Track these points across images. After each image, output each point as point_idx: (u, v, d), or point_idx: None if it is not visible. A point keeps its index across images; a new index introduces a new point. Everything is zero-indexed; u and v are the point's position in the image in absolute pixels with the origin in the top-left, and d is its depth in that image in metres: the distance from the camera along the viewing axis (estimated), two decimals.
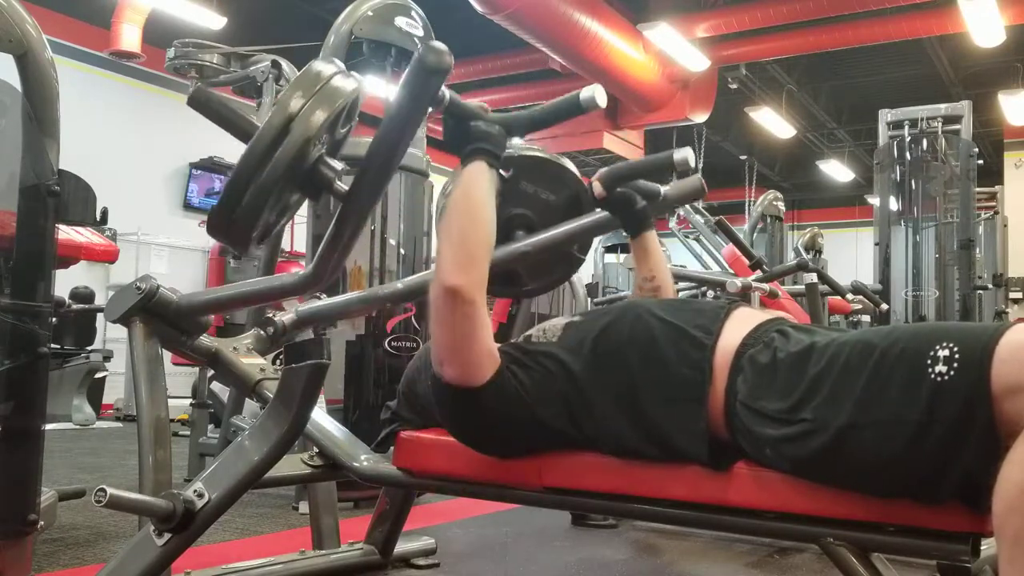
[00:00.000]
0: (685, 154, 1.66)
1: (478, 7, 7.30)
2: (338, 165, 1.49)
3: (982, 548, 1.14)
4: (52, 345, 2.03)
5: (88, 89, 8.42)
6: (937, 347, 1.10)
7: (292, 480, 1.96)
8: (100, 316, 6.63)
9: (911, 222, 6.44)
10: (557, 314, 4.79)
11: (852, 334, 1.24)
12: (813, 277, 3.93)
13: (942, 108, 6.52)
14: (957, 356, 1.08)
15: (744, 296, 3.42)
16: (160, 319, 1.79)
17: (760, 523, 1.31)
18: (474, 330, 1.42)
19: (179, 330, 1.84)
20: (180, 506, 1.53)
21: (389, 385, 3.12)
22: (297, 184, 1.46)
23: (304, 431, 1.72)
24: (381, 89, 3.54)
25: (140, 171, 9.09)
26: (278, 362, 1.99)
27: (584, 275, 6.52)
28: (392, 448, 1.71)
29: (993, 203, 9.64)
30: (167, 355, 1.85)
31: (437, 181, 4.19)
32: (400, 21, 3.36)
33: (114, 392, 7.60)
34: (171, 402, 1.87)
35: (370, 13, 3.29)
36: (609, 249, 10.64)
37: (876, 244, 6.59)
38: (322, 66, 1.43)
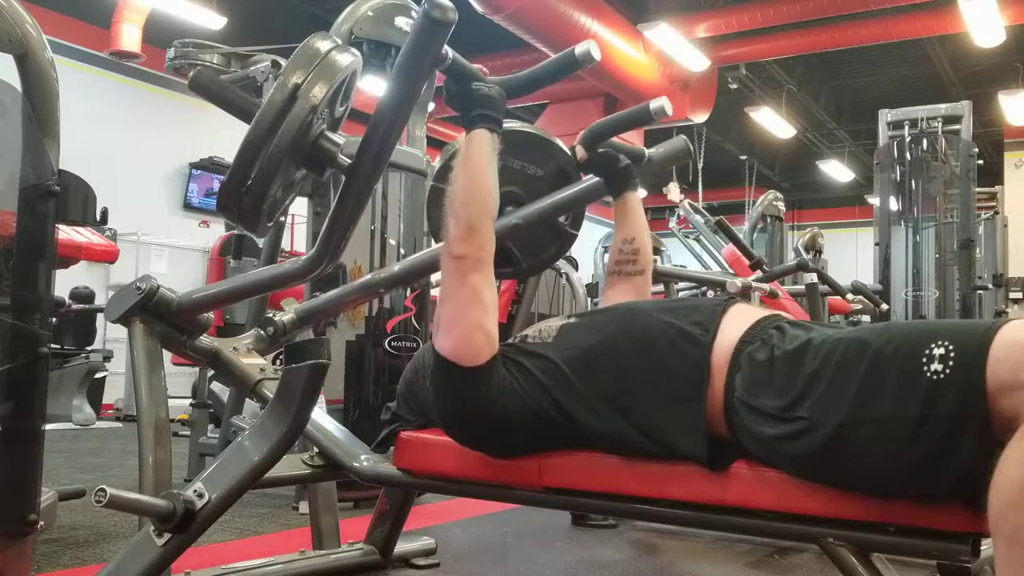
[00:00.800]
0: (661, 103, 1.67)
1: (478, 7, 7.30)
2: (340, 139, 1.51)
3: (982, 548, 1.14)
4: (52, 345, 2.03)
5: (88, 89, 8.43)
6: (932, 345, 1.10)
7: (292, 480, 1.96)
8: (100, 316, 6.63)
9: (911, 222, 6.44)
10: (557, 314, 4.79)
11: (848, 331, 1.24)
12: (813, 277, 3.94)
13: (942, 108, 6.52)
14: (953, 354, 1.08)
15: (744, 296, 3.42)
16: (160, 319, 1.79)
17: (760, 523, 1.31)
18: (476, 301, 1.43)
19: (179, 330, 1.84)
20: (180, 506, 1.53)
21: (389, 385, 3.12)
22: (301, 159, 1.48)
23: (304, 431, 1.72)
24: (381, 89, 3.53)
25: (140, 171, 9.09)
26: (278, 362, 1.99)
27: (584, 275, 6.52)
28: (392, 448, 1.71)
29: (993, 203, 9.63)
30: (167, 355, 1.85)
31: None
32: (400, 21, 3.36)
33: (114, 392, 7.60)
34: (171, 402, 1.88)
35: (370, 13, 3.29)
36: (609, 249, 10.63)
37: (876, 244, 6.59)
38: (319, 41, 1.45)
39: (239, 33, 7.67)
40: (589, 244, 7.48)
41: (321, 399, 2.41)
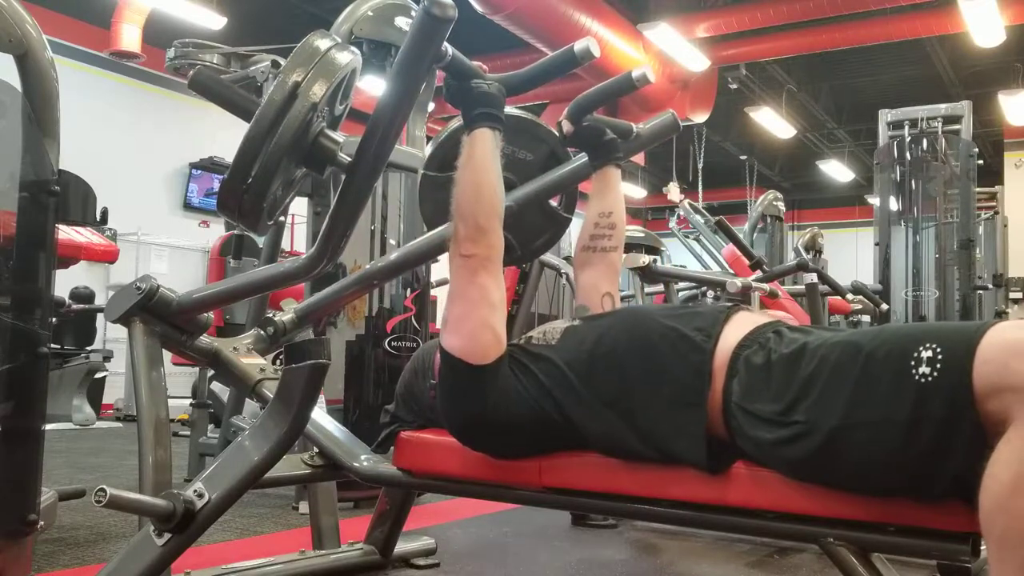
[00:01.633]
0: (643, 70, 1.67)
1: (478, 7, 7.30)
2: (340, 137, 1.51)
3: (982, 548, 1.14)
4: (52, 345, 2.03)
5: (88, 89, 8.43)
6: (920, 348, 1.10)
7: (292, 480, 1.96)
8: (100, 316, 6.63)
9: (911, 222, 6.44)
10: (557, 314, 4.79)
11: (843, 334, 1.24)
12: (813, 277, 3.93)
13: (942, 108, 6.52)
14: (940, 357, 1.08)
15: (744, 296, 3.42)
16: (160, 319, 1.79)
17: (760, 523, 1.31)
18: (485, 300, 1.44)
19: (179, 330, 1.84)
20: (180, 506, 1.53)
21: (389, 385, 3.12)
22: (301, 157, 1.48)
23: (304, 431, 1.72)
24: (381, 89, 3.53)
25: (140, 171, 9.09)
26: (278, 362, 1.99)
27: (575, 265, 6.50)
28: (392, 448, 1.71)
29: (993, 203, 9.63)
30: (167, 355, 1.85)
31: None
32: (400, 21, 3.37)
33: (114, 392, 7.60)
34: (171, 402, 1.87)
35: (370, 13, 3.29)
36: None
37: (876, 244, 6.59)
38: (319, 39, 1.45)
39: (239, 33, 7.67)
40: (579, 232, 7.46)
41: (321, 399, 2.41)
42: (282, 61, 4.24)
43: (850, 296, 4.38)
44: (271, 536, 2.72)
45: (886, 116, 6.63)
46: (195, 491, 1.57)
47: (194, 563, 1.92)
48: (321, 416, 1.91)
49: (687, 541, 2.75)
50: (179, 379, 6.36)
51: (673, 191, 13.02)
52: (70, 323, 6.57)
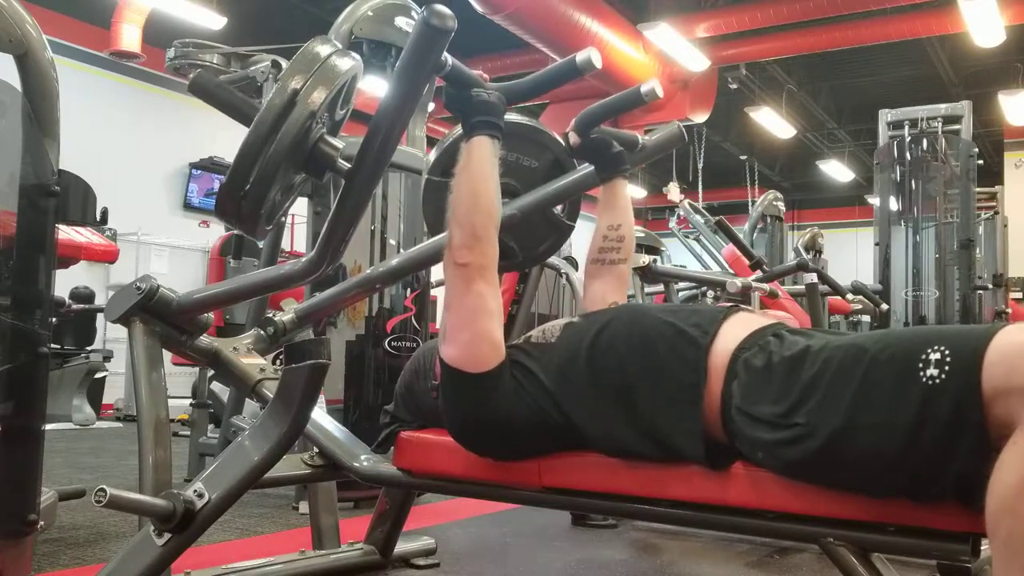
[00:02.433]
0: (652, 85, 1.67)
1: (478, 7, 7.30)
2: (339, 143, 1.50)
3: (982, 548, 1.14)
4: (52, 345, 2.03)
5: (88, 89, 8.43)
6: (928, 350, 1.10)
7: (292, 480, 1.96)
8: (100, 316, 6.63)
9: (911, 222, 6.45)
10: (557, 314, 4.79)
11: (846, 338, 1.24)
12: (813, 277, 3.93)
13: (942, 108, 6.52)
14: (948, 359, 1.08)
15: (744, 296, 3.42)
16: (160, 319, 1.79)
17: (760, 523, 1.31)
18: (482, 309, 1.43)
19: (179, 330, 1.84)
20: (180, 506, 1.53)
21: (389, 385, 3.12)
22: (301, 163, 1.48)
23: (304, 431, 1.72)
24: (381, 89, 3.53)
25: (140, 171, 9.09)
26: (278, 362, 1.99)
27: (584, 275, 6.51)
28: (392, 448, 1.71)
29: (993, 203, 9.63)
30: (167, 355, 1.85)
31: None
32: (400, 21, 3.36)
33: (114, 392, 7.60)
34: (171, 402, 1.87)
35: (370, 13, 3.29)
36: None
37: (876, 244, 6.59)
38: (320, 45, 1.45)
39: (239, 33, 7.67)
40: (589, 244, 7.47)
41: (321, 399, 2.41)
42: (282, 61, 4.24)
43: (850, 296, 4.38)
44: (271, 536, 2.72)
45: (886, 116, 6.64)
46: (195, 491, 1.57)
47: (194, 563, 1.92)
48: (321, 416, 1.91)
49: (687, 541, 2.75)
50: (179, 379, 6.35)
51: (673, 191, 13.01)
52: (70, 323, 6.57)
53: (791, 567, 2.43)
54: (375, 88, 3.42)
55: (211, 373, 3.75)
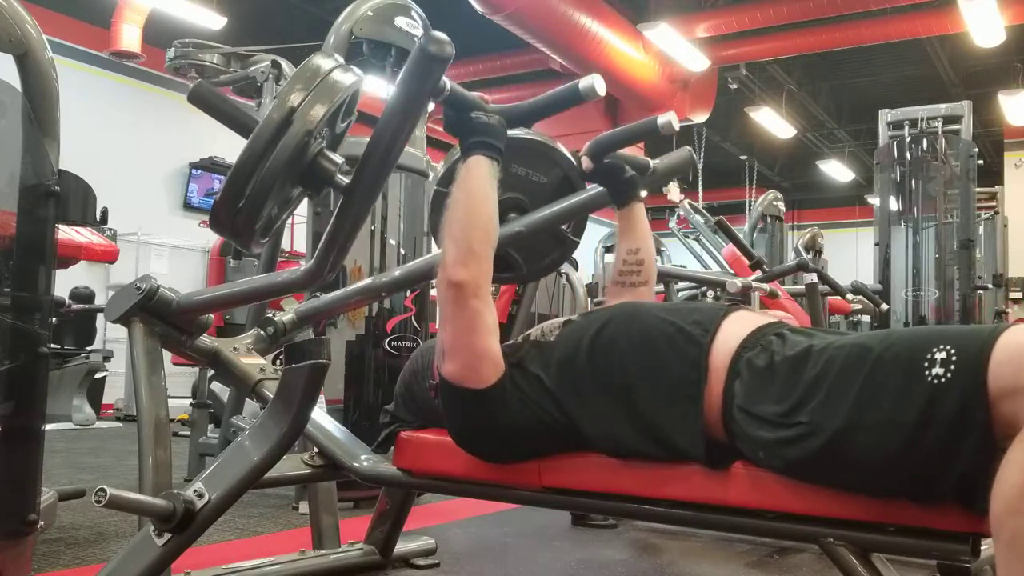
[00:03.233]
0: (668, 117, 1.67)
1: (478, 7, 7.30)
2: (338, 159, 1.49)
3: (982, 548, 1.14)
4: (52, 345, 2.04)
5: (88, 89, 8.43)
6: (934, 349, 1.09)
7: (292, 480, 1.96)
8: (100, 316, 6.63)
9: (911, 222, 6.45)
10: (557, 314, 4.79)
11: (850, 337, 1.24)
12: (813, 277, 3.93)
13: (942, 108, 6.52)
14: (954, 358, 1.07)
15: (744, 296, 3.42)
16: (160, 319, 1.79)
17: (760, 523, 1.31)
18: (478, 327, 1.42)
19: (179, 330, 1.84)
20: (180, 506, 1.53)
21: (389, 385, 3.12)
22: (298, 178, 1.46)
23: (304, 431, 1.72)
24: (381, 89, 3.54)
25: (140, 171, 9.09)
26: (278, 362, 1.99)
27: (584, 275, 6.51)
28: (392, 448, 1.71)
29: (993, 203, 9.64)
30: (167, 355, 1.85)
31: None
32: (400, 21, 3.36)
33: (114, 392, 7.60)
34: (171, 402, 1.87)
35: (370, 13, 3.29)
36: (609, 249, 10.63)
37: (876, 244, 6.59)
38: (322, 60, 1.44)
39: (239, 33, 7.67)
40: (589, 244, 7.47)
41: (321, 399, 2.41)
42: (282, 61, 4.24)
43: (850, 296, 4.38)
44: (271, 536, 2.72)
45: (886, 116, 6.64)
46: (195, 491, 1.57)
47: (194, 563, 1.92)
48: (321, 416, 1.91)
49: (687, 541, 2.75)
50: (179, 379, 6.35)
51: (673, 191, 12.99)
52: (70, 323, 6.57)
53: (791, 567, 2.43)
54: (375, 88, 3.42)
55: (211, 373, 3.75)
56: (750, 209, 9.86)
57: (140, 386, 1.74)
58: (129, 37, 8.37)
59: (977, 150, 6.66)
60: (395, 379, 1.84)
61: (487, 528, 2.94)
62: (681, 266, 6.58)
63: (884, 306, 5.17)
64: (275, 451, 1.62)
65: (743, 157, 14.47)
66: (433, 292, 3.72)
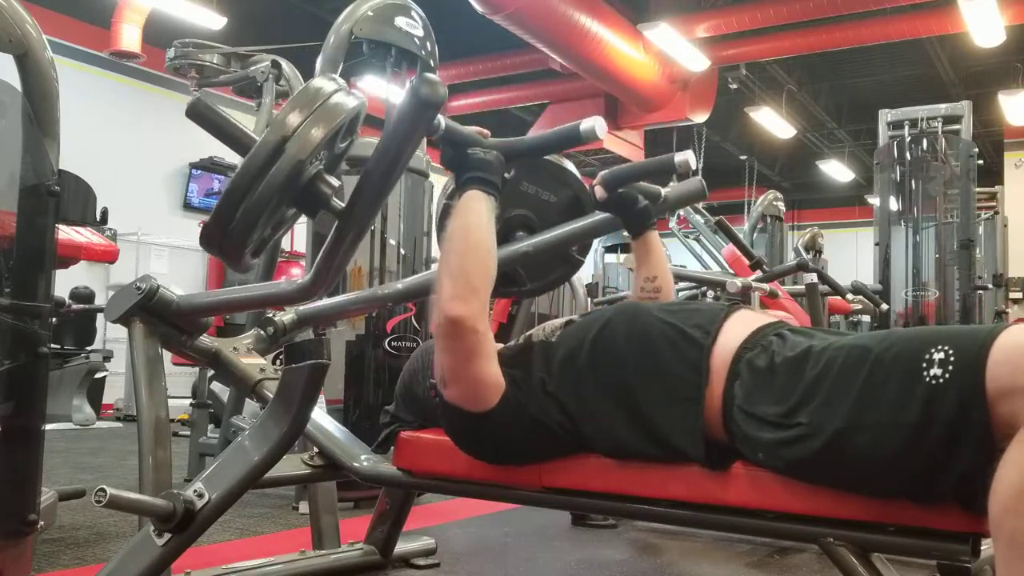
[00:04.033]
0: (686, 156, 1.67)
1: (478, 7, 7.30)
2: (335, 182, 1.46)
3: (982, 548, 1.14)
4: (52, 345, 2.04)
5: (88, 89, 8.42)
6: (932, 350, 1.09)
7: (292, 480, 1.96)
8: (100, 316, 6.63)
9: (911, 222, 6.44)
10: (558, 314, 4.79)
11: (849, 338, 1.24)
12: (813, 277, 3.93)
13: (942, 108, 6.52)
14: (952, 359, 1.07)
15: (744, 296, 3.42)
16: (160, 319, 1.79)
17: (760, 523, 1.31)
18: (477, 358, 1.41)
19: (179, 330, 1.84)
20: (180, 506, 1.53)
21: (389, 385, 3.12)
22: (293, 200, 1.44)
23: (304, 431, 1.72)
24: (381, 89, 3.54)
25: (140, 171, 9.09)
26: (278, 362, 1.99)
27: (584, 275, 6.52)
28: (392, 448, 1.71)
29: (993, 203, 9.64)
30: (167, 355, 1.85)
31: (437, 181, 4.20)
32: (400, 21, 3.36)
33: (114, 392, 7.59)
34: (171, 402, 1.87)
35: (370, 13, 3.29)
36: (609, 249, 10.64)
37: (876, 244, 6.58)
38: (322, 83, 1.42)
39: (239, 33, 7.66)
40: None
41: (321, 399, 2.41)
42: (282, 61, 4.24)
43: (850, 296, 4.38)
44: (271, 536, 2.72)
45: (886, 116, 6.63)
46: (195, 491, 1.57)
47: (194, 563, 1.92)
48: (321, 416, 1.91)
49: (687, 541, 2.75)
50: (179, 379, 6.35)
51: None
52: (70, 323, 6.57)
53: (791, 567, 2.43)
54: (375, 88, 3.42)
55: (211, 373, 3.75)
56: (750, 209, 9.87)
57: (140, 386, 1.74)
58: (129, 37, 8.37)
59: (977, 150, 6.66)
60: (395, 379, 1.84)
61: (487, 528, 2.94)
62: (681, 266, 6.57)
63: (884, 306, 5.17)
64: (275, 451, 1.62)
65: (743, 157, 14.47)
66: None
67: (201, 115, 1.44)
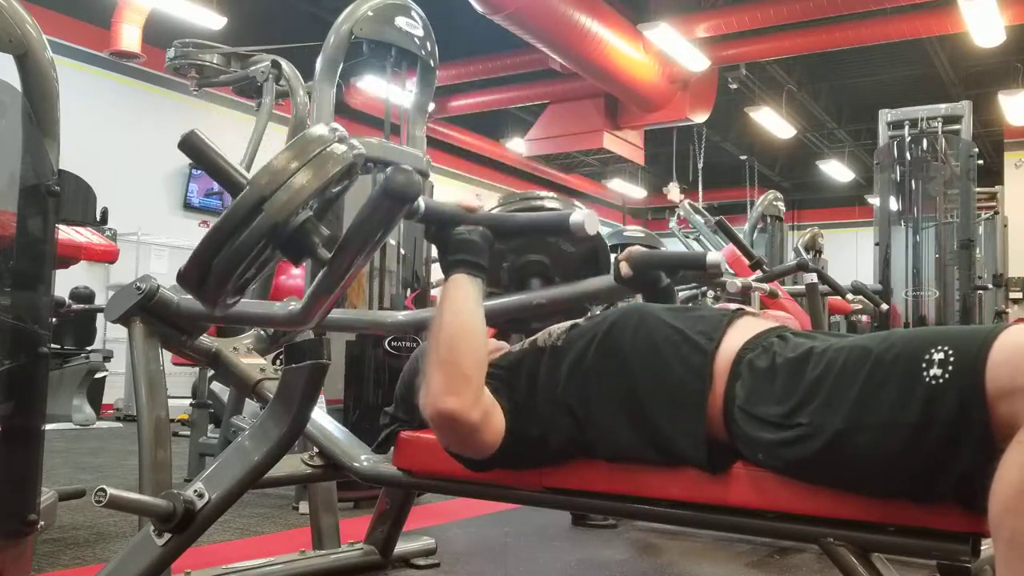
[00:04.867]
0: (717, 259, 1.67)
1: (478, 7, 7.30)
2: (324, 231, 1.42)
3: (982, 548, 1.14)
4: (52, 345, 2.04)
5: (88, 89, 8.42)
6: (932, 350, 1.09)
7: (292, 480, 1.96)
8: (100, 316, 6.63)
9: (911, 222, 6.44)
10: None
11: (850, 339, 1.24)
12: (813, 277, 3.93)
13: (942, 108, 6.52)
14: (952, 359, 1.07)
15: (744, 296, 3.42)
16: (160, 319, 1.79)
17: (760, 523, 1.31)
18: (476, 435, 1.39)
19: (179, 330, 1.84)
20: (180, 506, 1.53)
21: (389, 385, 3.12)
22: (278, 245, 1.39)
23: (304, 431, 1.72)
24: (381, 89, 3.54)
25: (140, 171, 9.09)
26: (278, 362, 1.99)
27: None
28: (392, 448, 1.71)
29: (993, 203, 9.63)
30: (167, 355, 1.85)
31: (437, 181, 4.20)
32: (400, 21, 3.37)
33: (114, 392, 7.60)
34: (171, 402, 1.88)
35: (370, 13, 3.29)
36: (612, 249, 10.63)
37: (876, 244, 6.58)
38: (320, 131, 1.38)
39: (239, 33, 7.66)
40: None
41: (321, 399, 2.41)
42: (282, 61, 4.24)
43: (850, 296, 4.38)
44: (271, 536, 2.72)
45: (886, 116, 6.63)
46: (195, 491, 1.57)
47: (194, 563, 1.92)
48: (321, 416, 1.91)
49: (687, 541, 2.75)
50: (179, 379, 6.35)
51: (673, 191, 13.01)
52: (70, 323, 6.57)
53: (791, 567, 2.43)
54: (375, 88, 3.42)
55: (211, 373, 3.75)
56: (750, 209, 9.86)
57: (140, 386, 1.74)
58: (129, 37, 8.37)
59: (977, 150, 6.65)
60: (395, 379, 1.84)
61: (487, 528, 2.94)
62: None
63: (884, 306, 5.17)
64: (275, 451, 1.62)
65: (743, 157, 14.47)
66: (433, 292, 3.72)
67: (194, 148, 1.40)
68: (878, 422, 1.12)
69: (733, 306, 1.78)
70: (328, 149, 1.35)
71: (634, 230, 4.73)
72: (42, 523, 1.79)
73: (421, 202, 1.36)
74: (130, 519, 2.34)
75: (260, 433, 1.64)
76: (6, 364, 1.69)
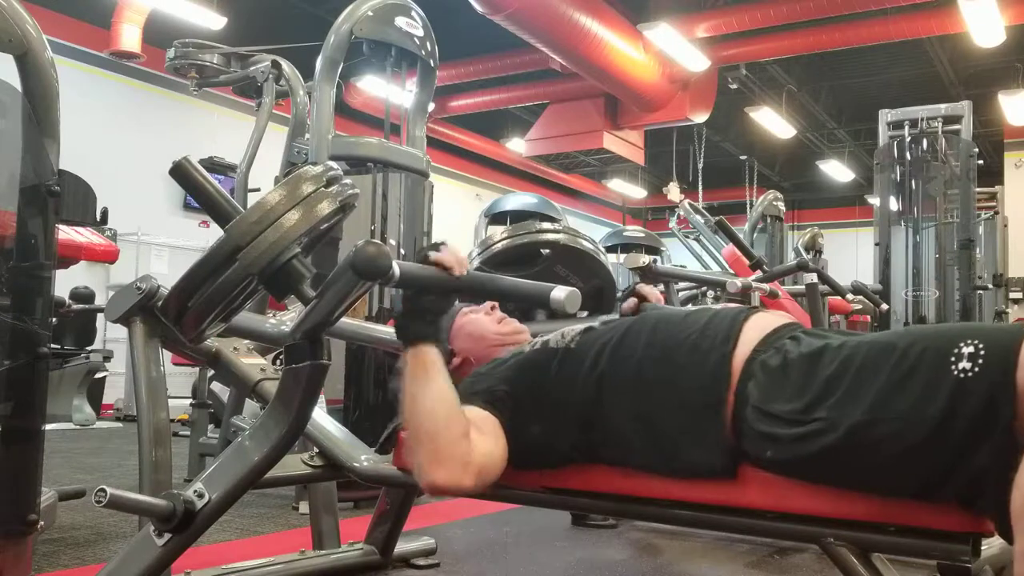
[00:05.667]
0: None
1: (478, 7, 7.30)
2: (311, 270, 1.41)
3: (982, 548, 1.14)
4: (52, 345, 2.04)
5: (88, 89, 8.42)
6: (961, 344, 1.09)
7: (292, 480, 1.97)
8: (100, 316, 6.63)
9: (911, 222, 6.44)
10: None
11: (868, 336, 1.24)
12: (813, 277, 3.93)
13: (942, 108, 6.52)
14: (983, 353, 1.07)
15: (744, 296, 3.42)
16: (160, 319, 1.79)
17: (760, 523, 1.31)
18: (482, 484, 1.38)
19: None
20: (180, 506, 1.53)
21: (389, 385, 3.12)
22: (264, 280, 1.38)
23: (304, 431, 1.72)
24: (381, 89, 3.54)
25: (140, 171, 9.08)
26: (278, 362, 1.99)
27: None
28: (392, 448, 1.71)
29: (993, 203, 9.63)
30: (167, 355, 1.85)
31: (437, 181, 4.20)
32: (400, 21, 3.37)
33: (114, 392, 7.59)
34: (171, 402, 1.88)
35: (370, 13, 3.29)
36: (609, 249, 10.63)
37: (876, 244, 6.58)
38: (315, 171, 1.37)
39: (239, 33, 7.66)
40: None
41: (321, 399, 2.41)
42: (282, 61, 4.24)
43: (850, 296, 4.38)
44: (271, 536, 2.72)
45: (886, 116, 6.63)
46: (195, 491, 1.57)
47: (194, 563, 1.92)
48: (321, 416, 1.91)
49: (687, 541, 2.75)
50: (179, 379, 6.35)
51: (673, 191, 13.01)
52: (70, 323, 6.56)
53: (791, 567, 2.43)
54: (375, 88, 3.41)
55: (211, 373, 3.75)
56: (750, 209, 9.85)
57: (140, 386, 1.74)
58: (129, 37, 8.37)
59: (977, 150, 6.65)
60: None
61: (487, 528, 2.94)
62: (681, 266, 6.57)
63: (884, 306, 5.17)
64: (275, 451, 1.62)
65: (743, 157, 14.46)
66: None
67: (184, 176, 1.39)
68: (901, 414, 1.12)
69: (733, 306, 1.78)
70: (319, 192, 1.34)
71: (634, 230, 4.73)
72: (42, 523, 1.78)
73: (396, 268, 1.28)
74: (130, 519, 2.34)
75: (260, 433, 1.64)
76: (6, 364, 1.69)
